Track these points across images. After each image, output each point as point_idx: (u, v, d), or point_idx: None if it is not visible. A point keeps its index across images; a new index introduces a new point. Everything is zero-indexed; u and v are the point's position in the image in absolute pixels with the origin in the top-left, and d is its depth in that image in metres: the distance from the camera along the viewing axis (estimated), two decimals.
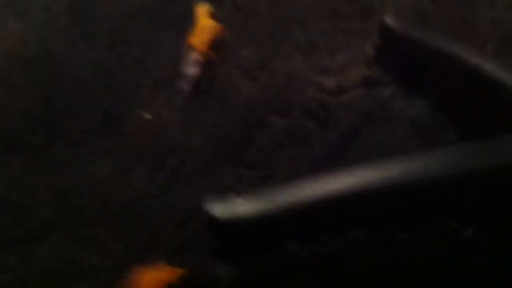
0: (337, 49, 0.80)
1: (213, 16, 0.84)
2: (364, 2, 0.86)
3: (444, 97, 0.70)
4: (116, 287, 0.58)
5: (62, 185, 0.70)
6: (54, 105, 0.78)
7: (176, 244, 0.64)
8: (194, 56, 0.81)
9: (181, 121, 0.73)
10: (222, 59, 0.77)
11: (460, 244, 0.50)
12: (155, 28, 0.84)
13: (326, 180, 0.51)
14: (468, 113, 0.67)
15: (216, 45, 0.81)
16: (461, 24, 0.83)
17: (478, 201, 0.50)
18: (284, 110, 0.72)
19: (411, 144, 0.69)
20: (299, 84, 0.74)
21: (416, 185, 0.49)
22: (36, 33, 0.86)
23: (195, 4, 0.82)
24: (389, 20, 0.73)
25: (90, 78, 0.81)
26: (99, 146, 0.73)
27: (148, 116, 0.75)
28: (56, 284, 0.62)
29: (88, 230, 0.67)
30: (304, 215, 0.49)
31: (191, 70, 0.79)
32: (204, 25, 0.82)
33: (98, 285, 0.62)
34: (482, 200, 0.50)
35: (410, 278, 0.50)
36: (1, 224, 0.68)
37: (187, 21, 0.74)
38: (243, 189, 0.64)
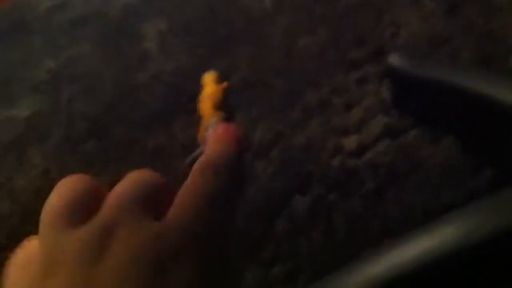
0: (353, 103, 0.74)
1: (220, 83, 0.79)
2: (375, 41, 0.80)
3: (472, 133, 0.63)
4: None
5: None
6: None
7: None
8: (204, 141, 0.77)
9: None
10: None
11: None
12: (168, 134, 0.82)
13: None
14: (500, 145, 0.59)
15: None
16: (486, 46, 0.74)
17: None
18: (303, 187, 0.67)
19: (444, 196, 0.60)
20: (317, 153, 0.69)
21: None
22: None
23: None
24: (393, 60, 0.67)
25: None
26: None
27: None
28: None
29: None
30: None
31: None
32: (207, 93, 0.78)
33: None
34: None
35: None
36: None
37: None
38: None
